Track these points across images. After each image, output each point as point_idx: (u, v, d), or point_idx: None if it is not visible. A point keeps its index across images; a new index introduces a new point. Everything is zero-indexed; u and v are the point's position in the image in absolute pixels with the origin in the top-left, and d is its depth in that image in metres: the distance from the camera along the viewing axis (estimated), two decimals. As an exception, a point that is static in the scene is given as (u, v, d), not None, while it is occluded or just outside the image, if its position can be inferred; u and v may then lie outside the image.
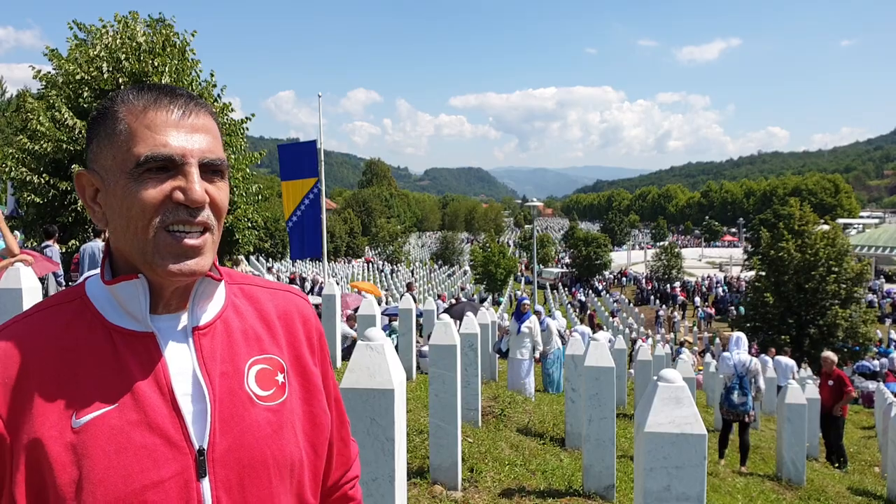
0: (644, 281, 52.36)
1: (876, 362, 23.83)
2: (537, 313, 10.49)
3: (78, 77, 12.29)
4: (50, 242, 9.38)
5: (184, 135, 0.91)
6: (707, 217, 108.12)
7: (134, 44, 12.72)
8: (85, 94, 12.31)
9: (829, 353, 10.99)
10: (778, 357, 15.56)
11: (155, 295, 0.95)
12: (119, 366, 0.91)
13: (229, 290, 1.05)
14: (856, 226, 70.48)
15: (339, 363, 8.91)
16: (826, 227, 27.20)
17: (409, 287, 17.88)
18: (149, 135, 0.90)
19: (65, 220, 12.10)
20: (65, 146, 11.97)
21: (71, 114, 11.99)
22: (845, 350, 24.43)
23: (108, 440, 0.87)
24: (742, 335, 8.57)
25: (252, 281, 1.10)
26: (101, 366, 0.90)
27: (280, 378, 1.01)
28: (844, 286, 24.53)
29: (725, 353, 8.23)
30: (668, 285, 47.23)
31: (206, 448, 0.91)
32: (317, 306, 8.28)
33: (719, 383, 8.86)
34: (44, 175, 11.98)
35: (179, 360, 0.94)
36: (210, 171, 0.94)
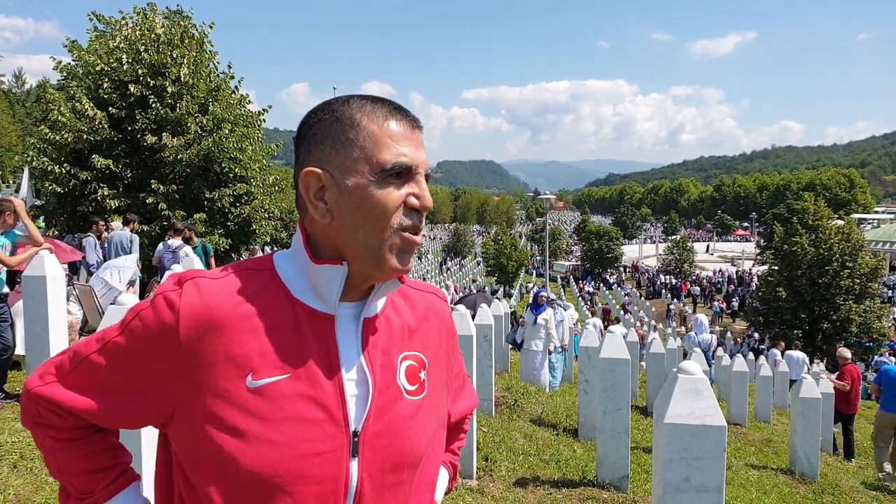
0: (654, 274, 52.25)
1: (892, 358, 23.69)
2: (551, 302, 10.49)
3: (98, 68, 12.39)
4: (126, 229, 9.64)
5: (414, 147, 1.01)
6: (719, 211, 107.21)
7: (153, 35, 12.83)
8: (105, 84, 12.40)
9: (840, 349, 11.23)
10: (789, 351, 15.49)
11: (348, 284, 1.02)
12: (298, 339, 0.99)
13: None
14: (871, 221, 69.65)
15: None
16: (840, 223, 26.99)
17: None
18: (391, 144, 0.99)
19: (85, 210, 12.23)
20: (85, 136, 12.06)
21: (91, 104, 12.08)
22: (859, 345, 24.29)
23: (279, 406, 0.95)
24: (704, 318, 9.69)
25: (407, 282, 1.18)
26: (282, 335, 0.98)
27: (422, 375, 1.10)
28: (859, 281, 24.34)
29: (691, 334, 9.29)
30: (675, 279, 47.06)
31: (360, 431, 0.99)
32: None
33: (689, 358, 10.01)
34: (64, 165, 12.12)
35: (348, 346, 1.02)
36: (425, 181, 1.04)
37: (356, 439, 0.98)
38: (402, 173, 0.99)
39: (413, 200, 1.00)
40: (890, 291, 38.43)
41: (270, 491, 0.94)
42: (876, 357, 24.13)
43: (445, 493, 1.29)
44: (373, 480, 0.99)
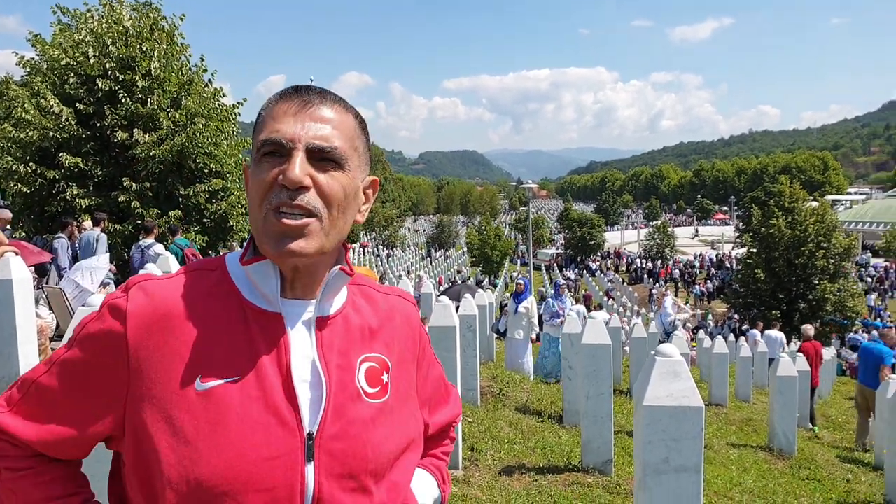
0: (632, 259, 52.90)
1: (865, 335, 24.11)
2: (540, 296, 10.61)
3: (63, 63, 12.08)
4: (97, 229, 9.40)
5: (299, 122, 0.95)
6: (699, 196, 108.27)
7: (120, 28, 12.54)
8: (71, 80, 12.13)
9: (804, 327, 11.87)
10: (767, 331, 15.76)
11: (283, 278, 0.99)
12: (248, 341, 0.96)
13: (351, 288, 1.10)
14: (844, 202, 70.85)
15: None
16: (815, 204, 27.40)
17: (409, 271, 17.91)
18: (271, 123, 0.96)
19: (53, 210, 11.98)
20: (51, 134, 11.77)
21: (57, 101, 11.79)
22: (834, 323, 24.72)
23: (227, 410, 0.91)
24: (671, 300, 10.40)
25: (369, 283, 1.15)
26: (232, 337, 0.95)
27: (385, 378, 1.05)
28: (833, 261, 24.76)
29: (661, 313, 10.36)
30: (652, 264, 47.61)
31: (314, 433, 0.94)
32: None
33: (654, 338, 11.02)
34: (30, 164, 11.81)
35: (301, 346, 0.98)
36: (322, 158, 0.96)
37: (311, 443, 0.94)
38: (278, 151, 0.94)
39: (280, 177, 0.93)
40: (863, 270, 39.17)
41: (221, 500, 0.89)
42: (850, 334, 24.60)
43: (441, 502, 1.23)
44: (331, 486, 0.94)
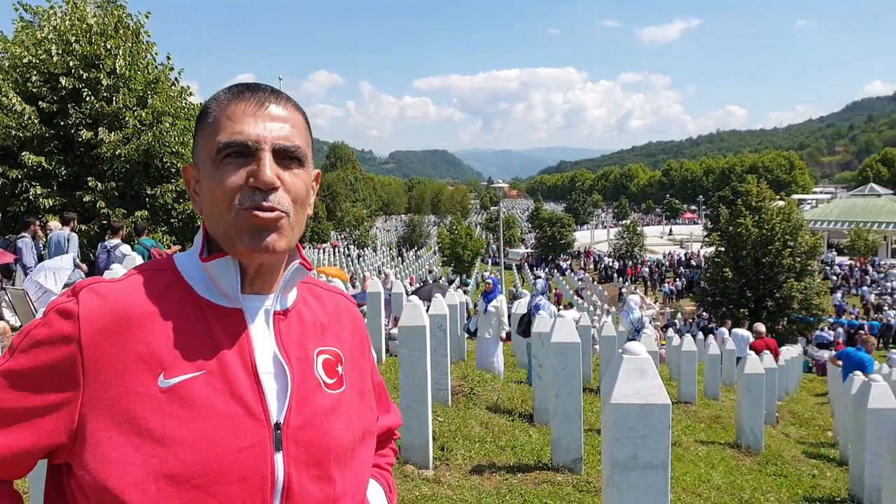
0: (598, 257, 53.57)
1: (831, 332, 24.66)
2: (512, 295, 10.73)
3: (25, 60, 11.87)
4: (66, 228, 9.19)
5: (260, 123, 0.97)
6: (668, 195, 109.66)
7: (84, 25, 12.32)
8: (33, 77, 11.90)
9: (756, 324, 12.70)
10: (735, 329, 15.99)
11: (242, 273, 1.00)
12: (208, 336, 0.96)
13: (300, 286, 1.12)
14: (809, 201, 72.32)
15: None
16: (781, 203, 27.88)
17: (381, 271, 17.85)
18: (229, 124, 0.96)
19: (16, 210, 11.70)
20: (14, 133, 11.52)
21: (19, 99, 11.55)
22: (800, 321, 25.21)
23: (194, 404, 0.91)
24: (636, 298, 10.93)
25: (315, 282, 1.17)
26: (191, 333, 0.95)
27: (340, 369, 1.07)
28: (799, 259, 25.21)
29: (624, 310, 10.52)
30: (622, 263, 48.14)
31: (282, 423, 0.96)
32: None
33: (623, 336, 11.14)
34: (-8, 163, 11.55)
35: (262, 339, 1.00)
36: (286, 157, 0.98)
37: (279, 432, 0.95)
38: (242, 152, 0.95)
39: (251, 179, 0.94)
40: (828, 268, 40.10)
41: (193, 493, 0.88)
42: (816, 332, 25.13)
43: None
44: (300, 475, 0.96)
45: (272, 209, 0.94)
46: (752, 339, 13.67)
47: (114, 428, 0.89)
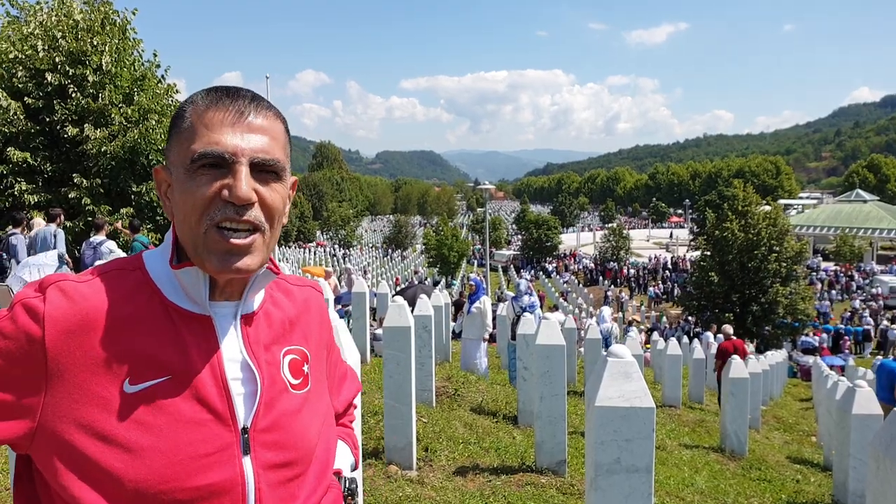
0: (580, 259, 53.75)
1: (817, 338, 24.82)
2: (497, 297, 10.76)
3: (11, 56, 11.76)
4: (52, 225, 9.04)
5: (238, 134, 0.93)
6: (654, 199, 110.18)
7: (70, 21, 12.22)
8: (19, 73, 11.78)
9: (725, 325, 13.06)
10: (721, 334, 16.10)
11: (213, 281, 0.99)
12: (176, 341, 0.94)
13: (269, 283, 1.09)
14: (796, 206, 72.86)
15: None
16: (768, 208, 28.05)
17: (366, 271, 17.82)
18: (205, 133, 0.93)
19: (1, 206, 11.58)
20: (-1, 128, 11.42)
21: (5, 94, 11.45)
22: (785, 326, 25.40)
23: (161, 410, 0.90)
24: (607, 309, 11.77)
25: (283, 277, 1.15)
26: (158, 337, 0.94)
27: (305, 368, 1.08)
28: (785, 264, 25.38)
29: (594, 320, 10.72)
30: (606, 266, 48.28)
31: (248, 427, 0.96)
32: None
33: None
34: (-24, 159, 11.42)
35: (230, 344, 0.99)
36: (264, 170, 0.95)
37: (246, 436, 0.95)
38: (218, 164, 0.92)
39: (225, 192, 0.91)
40: (814, 273, 40.40)
41: (158, 499, 0.88)
42: (802, 337, 25.32)
43: (353, 468, 1.27)
44: (268, 477, 0.96)
45: (247, 223, 0.92)
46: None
47: (77, 432, 0.87)
